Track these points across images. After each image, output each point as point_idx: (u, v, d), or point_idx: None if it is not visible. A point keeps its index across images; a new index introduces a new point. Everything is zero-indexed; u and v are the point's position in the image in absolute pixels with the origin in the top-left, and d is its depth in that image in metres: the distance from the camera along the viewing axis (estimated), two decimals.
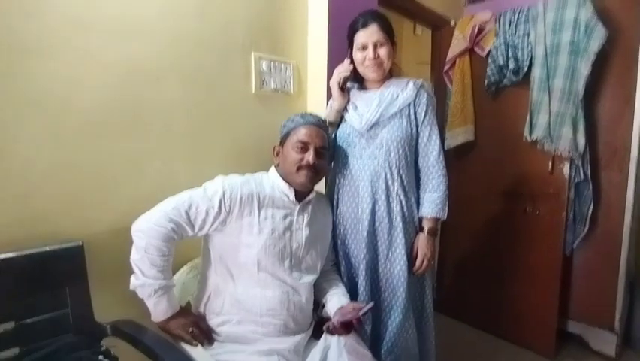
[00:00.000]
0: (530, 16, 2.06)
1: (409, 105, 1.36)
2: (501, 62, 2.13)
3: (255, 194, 1.16)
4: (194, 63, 1.38)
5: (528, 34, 2.06)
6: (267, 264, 1.16)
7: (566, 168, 2.01)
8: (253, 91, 1.56)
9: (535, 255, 2.15)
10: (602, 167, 2.06)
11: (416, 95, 1.37)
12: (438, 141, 1.40)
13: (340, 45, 1.45)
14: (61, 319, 1.06)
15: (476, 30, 2.23)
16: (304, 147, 1.19)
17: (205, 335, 1.13)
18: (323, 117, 1.33)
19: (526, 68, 2.07)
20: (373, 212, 1.35)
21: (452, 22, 2.45)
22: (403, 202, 1.36)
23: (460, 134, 2.35)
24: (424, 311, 1.47)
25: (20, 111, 1.06)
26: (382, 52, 1.33)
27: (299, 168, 1.18)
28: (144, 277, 1.07)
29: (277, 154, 1.25)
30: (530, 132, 2.05)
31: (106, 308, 1.16)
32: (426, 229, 1.38)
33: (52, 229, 1.11)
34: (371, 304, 1.19)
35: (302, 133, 1.19)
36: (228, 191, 1.13)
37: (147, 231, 1.07)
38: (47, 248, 1.07)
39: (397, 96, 1.35)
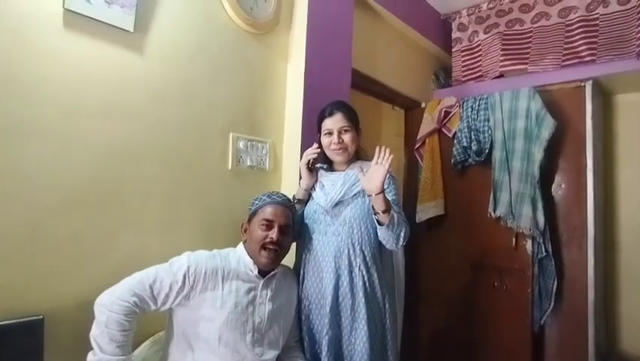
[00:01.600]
0: (489, 103, 2.28)
1: None
2: (465, 144, 2.31)
3: (219, 268, 1.22)
4: (174, 144, 1.49)
5: (488, 120, 2.26)
6: (229, 339, 1.18)
7: (528, 245, 2.11)
8: (229, 167, 1.67)
9: (504, 330, 2.17)
10: (563, 244, 2.16)
11: None
12: (402, 215, 1.47)
13: (313, 127, 1.59)
14: None
15: (443, 113, 2.45)
16: (269, 225, 1.27)
17: None
18: (292, 195, 1.43)
19: (487, 150, 2.24)
20: (337, 287, 1.40)
21: (423, 105, 2.69)
22: (366, 278, 1.41)
23: (430, 208, 2.46)
24: None
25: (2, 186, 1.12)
26: (346, 137, 1.47)
27: (262, 247, 1.25)
28: (102, 353, 1.06)
29: (245, 231, 1.32)
30: (494, 209, 2.17)
31: None
32: None
33: (12, 301, 1.12)
34: None
35: (267, 212, 1.28)
36: (193, 266, 1.18)
37: (109, 305, 1.09)
38: (5, 322, 1.07)
39: (357, 179, 1.45)
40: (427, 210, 2.45)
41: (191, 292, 1.17)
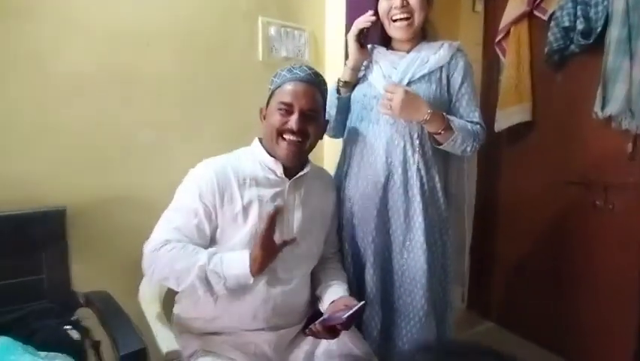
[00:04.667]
0: None
1: (441, 68, 1.16)
2: (567, 24, 1.76)
3: (231, 175, 0.98)
4: (190, 28, 1.29)
5: None
6: None
7: None
8: (260, 58, 1.44)
9: (607, 259, 1.76)
10: None
11: (451, 59, 1.16)
12: (478, 110, 1.18)
13: (363, 10, 1.25)
14: (36, 284, 1.03)
15: None
16: (288, 110, 0.99)
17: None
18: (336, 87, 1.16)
19: (599, 29, 1.69)
20: (386, 187, 1.15)
21: None
22: (425, 179, 1.14)
23: (513, 114, 2.01)
24: (444, 316, 1.23)
25: (6, 73, 1.05)
26: (413, 1, 1.11)
27: (279, 135, 0.99)
28: (189, 271, 0.90)
29: (264, 117, 1.06)
30: (603, 107, 1.66)
31: (85, 278, 1.11)
32: None
33: (34, 192, 1.09)
34: (360, 304, 0.96)
35: (286, 92, 0.99)
36: (203, 187, 0.96)
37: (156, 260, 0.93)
38: (27, 211, 1.05)
39: (428, 59, 1.15)
40: (510, 116, 2.00)
41: (215, 213, 0.97)
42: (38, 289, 1.03)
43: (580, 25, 1.72)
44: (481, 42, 2.36)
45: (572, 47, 1.79)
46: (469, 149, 1.13)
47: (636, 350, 1.71)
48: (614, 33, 1.63)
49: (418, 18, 1.13)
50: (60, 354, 0.90)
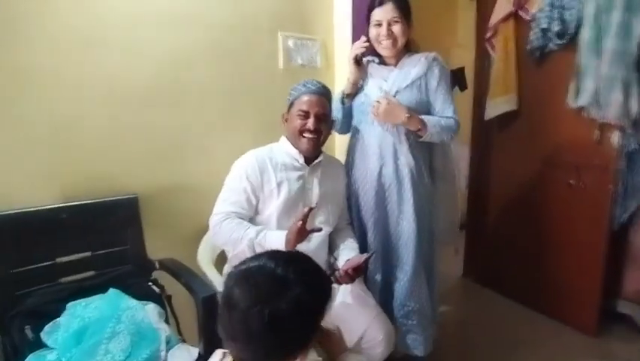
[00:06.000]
0: None
1: (420, 79, 1.45)
2: (545, 25, 2.00)
3: (268, 161, 1.32)
4: (224, 46, 1.58)
5: None
6: (284, 222, 1.33)
7: (615, 137, 1.87)
8: (281, 66, 1.72)
9: (578, 229, 2.05)
10: None
11: (427, 68, 1.45)
12: (452, 106, 1.47)
13: (364, 21, 1.53)
14: (123, 253, 1.37)
15: None
16: (306, 115, 1.31)
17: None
18: (341, 90, 1.46)
19: (573, 30, 1.92)
20: (380, 173, 1.47)
21: None
22: (412, 164, 1.45)
23: (501, 104, 2.27)
24: (432, 270, 1.56)
25: (88, 92, 1.35)
26: (396, 29, 1.40)
27: (301, 133, 1.32)
28: (241, 241, 1.22)
29: (285, 120, 1.38)
30: (575, 99, 1.92)
31: (156, 248, 1.44)
32: None
33: (112, 183, 1.41)
34: (372, 253, 1.34)
35: (303, 102, 1.31)
36: (245, 168, 1.30)
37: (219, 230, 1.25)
38: (112, 198, 1.37)
39: (410, 72, 1.45)
40: (498, 105, 2.26)
41: (258, 190, 1.30)
42: (124, 256, 1.36)
43: (556, 27, 1.96)
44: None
45: (551, 45, 2.03)
46: (445, 138, 1.45)
47: (599, 304, 2.03)
48: (585, 34, 1.87)
49: (400, 41, 1.43)
50: (149, 302, 1.25)
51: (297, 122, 1.31)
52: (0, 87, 1.20)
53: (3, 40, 1.19)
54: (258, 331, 0.65)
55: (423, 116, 1.41)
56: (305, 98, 1.31)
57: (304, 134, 1.32)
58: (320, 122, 1.32)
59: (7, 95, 1.21)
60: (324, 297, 0.74)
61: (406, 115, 1.36)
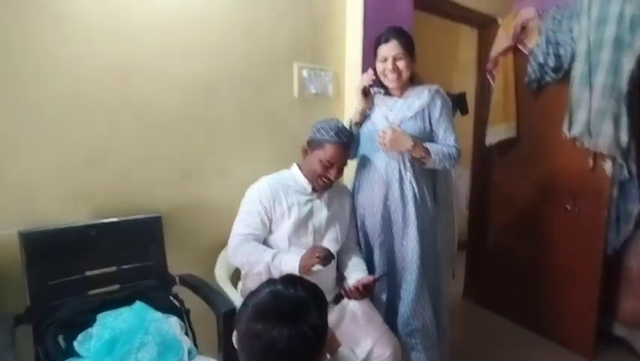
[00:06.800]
0: (575, 11, 2.04)
1: (423, 110, 1.56)
2: (541, 60, 2.14)
3: (280, 186, 1.44)
4: (244, 76, 1.71)
5: (571, 30, 2.04)
6: (294, 240, 1.43)
7: (607, 166, 1.98)
8: (296, 95, 1.85)
9: (575, 253, 2.14)
10: None
11: (430, 100, 1.56)
12: (453, 135, 1.58)
13: (373, 55, 1.66)
14: (146, 268, 1.45)
15: (519, 28, 2.26)
16: (330, 166, 1.41)
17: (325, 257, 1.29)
18: (349, 119, 1.58)
19: (567, 65, 2.06)
20: (386, 197, 1.56)
21: (499, 21, 2.48)
22: (416, 190, 1.54)
23: (501, 131, 2.39)
24: (439, 291, 1.63)
25: (121, 118, 1.46)
26: (400, 64, 1.52)
27: (319, 177, 1.43)
28: (258, 263, 1.34)
29: (305, 152, 1.48)
30: (570, 129, 2.04)
31: (176, 265, 1.53)
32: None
33: (138, 203, 1.51)
34: (383, 273, 1.44)
35: (330, 154, 1.39)
36: (259, 192, 1.42)
37: (238, 251, 1.37)
38: (137, 217, 1.47)
39: (414, 103, 1.57)
40: (498, 132, 2.39)
41: (271, 212, 1.41)
42: (147, 272, 1.45)
43: (551, 62, 2.10)
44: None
45: (547, 78, 2.17)
46: (447, 165, 1.55)
47: (596, 327, 2.10)
48: (578, 69, 2.01)
49: (404, 74, 1.55)
50: (171, 315, 1.33)
51: (319, 168, 1.40)
52: (44, 113, 1.31)
53: (47, 69, 1.30)
54: (283, 351, 0.73)
55: (426, 144, 1.52)
56: (334, 149, 1.40)
57: (323, 178, 1.43)
58: (339, 172, 1.44)
59: (49, 120, 1.32)
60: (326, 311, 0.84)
61: (411, 143, 1.47)
